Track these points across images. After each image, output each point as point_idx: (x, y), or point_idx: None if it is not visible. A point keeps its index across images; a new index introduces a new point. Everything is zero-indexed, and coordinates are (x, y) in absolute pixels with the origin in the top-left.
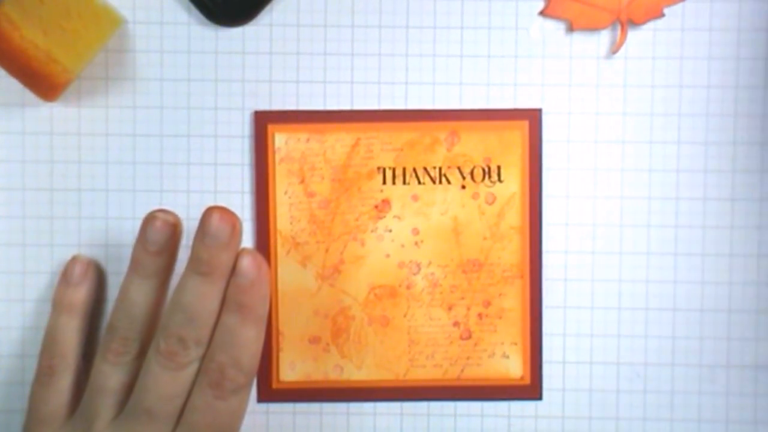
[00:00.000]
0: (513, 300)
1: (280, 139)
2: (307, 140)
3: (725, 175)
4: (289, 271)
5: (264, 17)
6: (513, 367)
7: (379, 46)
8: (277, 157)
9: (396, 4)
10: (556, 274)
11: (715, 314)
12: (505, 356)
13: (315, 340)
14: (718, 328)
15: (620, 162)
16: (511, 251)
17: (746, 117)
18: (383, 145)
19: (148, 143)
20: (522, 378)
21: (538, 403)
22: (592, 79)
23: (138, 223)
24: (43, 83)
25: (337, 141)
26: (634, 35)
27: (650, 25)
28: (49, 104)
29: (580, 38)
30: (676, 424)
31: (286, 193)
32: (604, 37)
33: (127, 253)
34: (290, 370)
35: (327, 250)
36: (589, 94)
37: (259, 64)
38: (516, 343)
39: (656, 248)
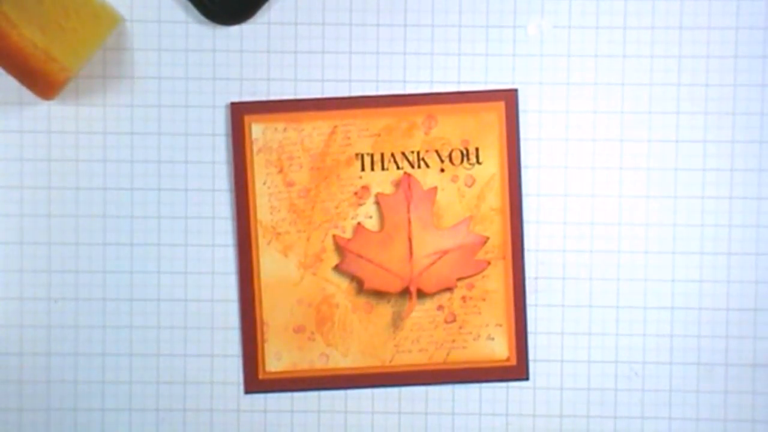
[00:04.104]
0: (496, 281)
1: (257, 130)
2: (284, 129)
3: (723, 173)
4: (271, 261)
5: (262, 15)
6: (498, 349)
7: (377, 44)
8: (255, 148)
9: (394, 3)
10: (555, 273)
11: (714, 312)
12: (491, 338)
13: (299, 329)
14: (716, 326)
15: (618, 160)
16: (493, 232)
17: (744, 115)
18: (360, 132)
19: (146, 141)
20: (508, 359)
21: (536, 401)
22: (590, 77)
23: (136, 222)
24: (41, 81)
25: (314, 129)
26: (632, 33)
27: (648, 22)
28: (46, 102)
29: (578, 37)
30: (675, 422)
31: (264, 183)
32: (603, 36)
33: (126, 251)
34: (276, 360)
35: (308, 239)
36: (587, 92)
37: (257, 62)
38: (501, 324)
39: (654, 247)
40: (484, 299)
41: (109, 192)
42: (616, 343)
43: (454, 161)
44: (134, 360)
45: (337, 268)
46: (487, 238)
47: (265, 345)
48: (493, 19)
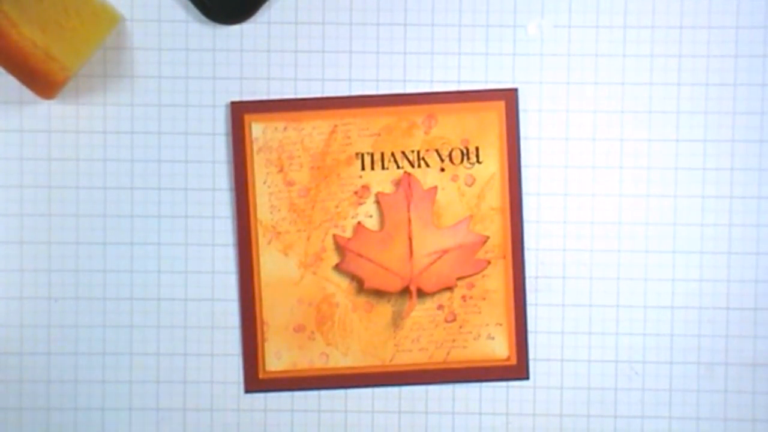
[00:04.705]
0: (496, 280)
1: (257, 129)
2: (285, 129)
3: (723, 172)
4: (271, 261)
5: (262, 15)
6: (498, 348)
7: (377, 43)
8: (255, 147)
9: (394, 2)
10: (555, 272)
11: (714, 312)
12: (491, 337)
13: (300, 328)
14: (717, 325)
15: (618, 159)
16: (493, 232)
17: (744, 115)
18: (360, 131)
19: (146, 140)
20: (508, 358)
21: (536, 401)
22: (591, 77)
23: (136, 221)
24: (41, 81)
25: (315, 129)
26: (632, 32)
27: (648, 22)
28: (47, 102)
29: (578, 36)
30: (675, 421)
31: (265, 182)
32: (603, 35)
33: (126, 250)
34: (276, 359)
35: (308, 239)
36: (587, 92)
37: (257, 62)
38: (501, 324)
39: (654, 246)
40: (484, 298)
41: (110, 191)
42: (616, 343)
43: (454, 160)
44: (134, 359)
45: (337, 268)
46: (487, 238)
47: (266, 344)
48: (494, 19)
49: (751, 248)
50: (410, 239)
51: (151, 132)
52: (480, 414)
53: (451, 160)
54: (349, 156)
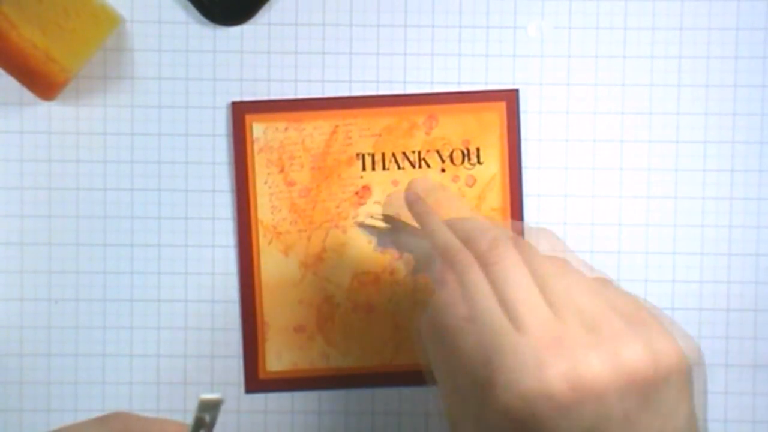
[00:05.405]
0: None
1: (258, 129)
2: (286, 129)
3: (723, 174)
4: (272, 261)
5: (262, 16)
6: None
7: (377, 45)
8: (256, 147)
9: (394, 3)
10: None
11: (714, 313)
12: None
13: (300, 329)
14: (717, 327)
15: (619, 160)
16: None
17: (745, 116)
18: (361, 132)
19: (146, 142)
20: None
21: None
22: (591, 78)
23: (136, 222)
24: (41, 82)
25: (316, 129)
26: (632, 34)
27: (648, 23)
28: (47, 103)
29: (578, 38)
30: None
31: (266, 183)
32: (603, 37)
33: (126, 252)
34: (277, 359)
35: (309, 239)
36: (587, 93)
37: (257, 63)
38: None
39: (654, 247)
40: None
41: (110, 193)
42: None
43: (455, 161)
44: (134, 361)
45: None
46: None
47: (266, 345)
48: (494, 20)
49: (751, 250)
50: None
51: (152, 133)
52: None
53: (452, 160)
54: (349, 156)
